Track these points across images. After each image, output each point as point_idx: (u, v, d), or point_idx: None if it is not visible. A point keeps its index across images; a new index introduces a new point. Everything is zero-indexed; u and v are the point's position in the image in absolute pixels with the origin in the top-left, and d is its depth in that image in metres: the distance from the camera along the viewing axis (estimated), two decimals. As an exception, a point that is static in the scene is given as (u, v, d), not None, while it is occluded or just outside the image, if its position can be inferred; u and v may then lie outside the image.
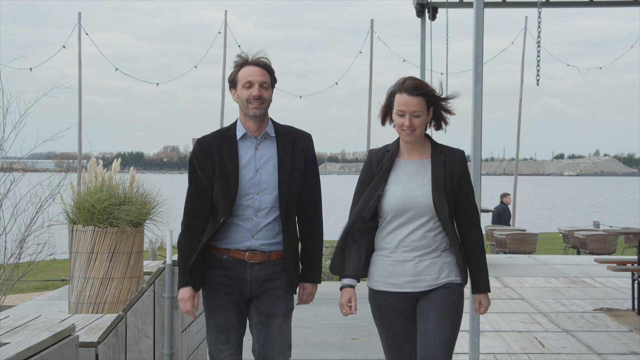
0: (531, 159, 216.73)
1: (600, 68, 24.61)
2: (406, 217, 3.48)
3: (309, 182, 3.73)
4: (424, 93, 3.47)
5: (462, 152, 3.60)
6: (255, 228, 3.63)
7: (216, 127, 19.98)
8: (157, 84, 25.35)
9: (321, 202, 3.82)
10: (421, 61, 11.45)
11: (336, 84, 25.27)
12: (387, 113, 3.57)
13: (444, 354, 3.42)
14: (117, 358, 4.91)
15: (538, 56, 6.99)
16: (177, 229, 3.88)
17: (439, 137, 3.73)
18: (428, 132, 3.63)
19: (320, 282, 3.87)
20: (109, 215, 7.40)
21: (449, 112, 3.58)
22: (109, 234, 7.35)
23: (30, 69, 23.17)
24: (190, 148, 3.76)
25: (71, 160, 22.24)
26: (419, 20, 11.47)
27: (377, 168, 3.57)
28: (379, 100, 3.63)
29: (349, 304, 3.54)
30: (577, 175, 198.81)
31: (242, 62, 3.68)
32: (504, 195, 18.42)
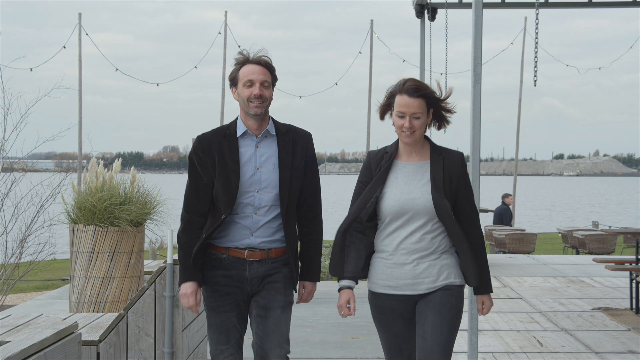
0: (531, 159, 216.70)
1: (600, 68, 24.55)
2: (404, 219, 3.48)
3: (309, 181, 3.73)
4: (424, 95, 3.47)
5: (461, 154, 3.61)
6: (254, 226, 3.63)
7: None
8: (157, 84, 25.32)
9: (321, 202, 3.82)
10: (420, 61, 11.50)
11: (336, 84, 25.23)
12: (385, 111, 3.57)
13: (442, 356, 3.41)
14: (118, 356, 4.93)
15: (536, 57, 7.02)
16: (178, 229, 3.89)
17: (438, 136, 3.75)
18: (428, 132, 3.65)
19: (319, 281, 3.89)
20: (109, 214, 7.43)
21: (449, 111, 3.58)
22: (109, 233, 7.38)
23: (31, 69, 23.19)
24: (190, 148, 3.76)
25: (71, 160, 22.24)
26: (418, 20, 11.52)
27: (375, 169, 3.57)
28: (379, 100, 3.62)
29: (348, 305, 3.55)
30: (577, 175, 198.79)
31: (243, 60, 3.66)
32: (506, 195, 18.32)
